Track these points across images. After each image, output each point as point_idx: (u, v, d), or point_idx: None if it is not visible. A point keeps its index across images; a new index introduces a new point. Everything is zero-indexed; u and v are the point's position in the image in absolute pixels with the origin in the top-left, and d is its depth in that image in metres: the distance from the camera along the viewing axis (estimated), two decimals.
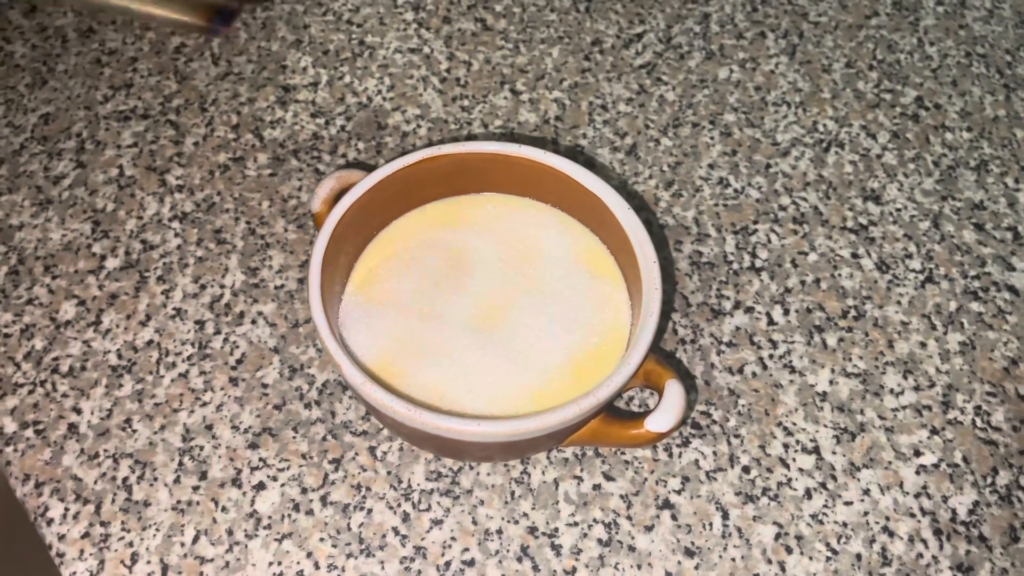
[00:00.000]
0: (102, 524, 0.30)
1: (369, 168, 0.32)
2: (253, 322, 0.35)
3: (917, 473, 0.31)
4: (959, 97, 0.42)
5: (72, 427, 0.32)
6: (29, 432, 0.32)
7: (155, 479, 0.31)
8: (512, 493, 0.31)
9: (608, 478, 0.31)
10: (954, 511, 0.31)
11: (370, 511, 0.30)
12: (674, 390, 0.28)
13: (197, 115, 0.41)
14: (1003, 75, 0.43)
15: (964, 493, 0.31)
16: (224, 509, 0.30)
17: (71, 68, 0.43)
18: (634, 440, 0.28)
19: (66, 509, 0.30)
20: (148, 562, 0.29)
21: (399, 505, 0.30)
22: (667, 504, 0.31)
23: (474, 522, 0.30)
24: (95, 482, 0.31)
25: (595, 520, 0.30)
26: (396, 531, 0.30)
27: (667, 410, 0.28)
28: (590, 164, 0.39)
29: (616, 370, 0.27)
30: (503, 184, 0.33)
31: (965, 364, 0.34)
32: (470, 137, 0.40)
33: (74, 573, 0.29)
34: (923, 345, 0.34)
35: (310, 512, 0.30)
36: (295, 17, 0.45)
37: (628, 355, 0.27)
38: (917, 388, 0.33)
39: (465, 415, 0.27)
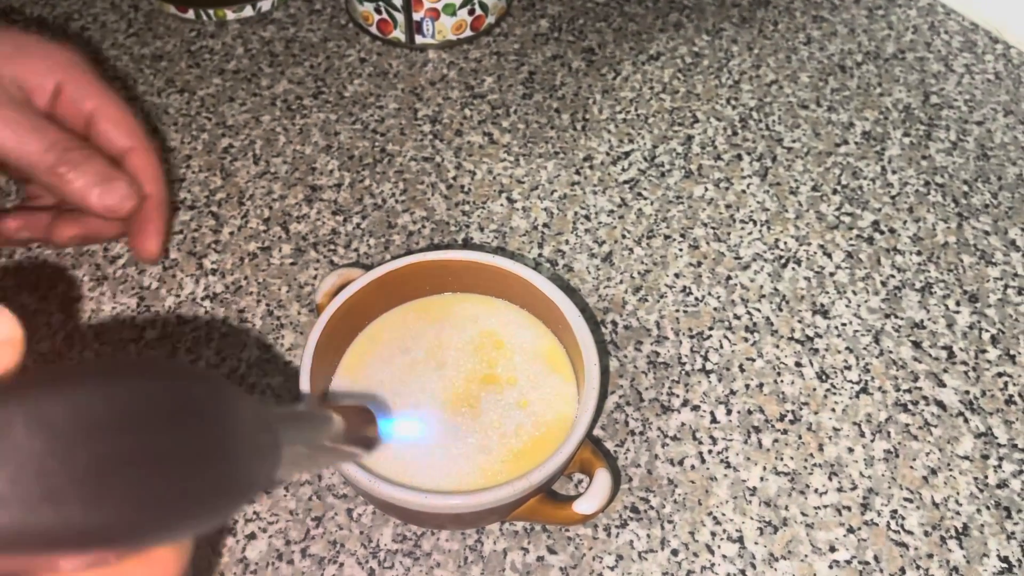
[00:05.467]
0: None
1: (367, 267, 0.38)
2: (263, 392, 0.40)
3: (830, 567, 0.35)
4: (913, 223, 0.47)
5: None
6: None
7: None
8: (465, 558, 0.35)
9: (551, 551, 0.35)
10: None
11: (342, 564, 0.35)
12: (601, 478, 0.32)
13: (235, 208, 0.48)
14: (958, 204, 0.47)
15: None
16: (219, 554, 0.35)
17: None
18: (565, 519, 0.33)
19: None
20: None
21: (367, 561, 0.35)
22: None
23: None
24: None
25: None
26: None
27: (593, 496, 0.32)
28: (568, 268, 0.45)
29: (549, 458, 0.32)
30: (478, 287, 0.39)
31: (887, 470, 0.38)
32: (467, 239, 0.46)
33: None
34: (851, 450, 0.38)
35: (291, 562, 0.35)
36: (328, 125, 0.52)
37: (561, 446, 0.32)
38: (840, 489, 0.37)
39: (420, 488, 0.32)
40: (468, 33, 0.56)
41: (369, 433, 0.27)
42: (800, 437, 0.39)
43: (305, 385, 0.33)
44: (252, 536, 0.36)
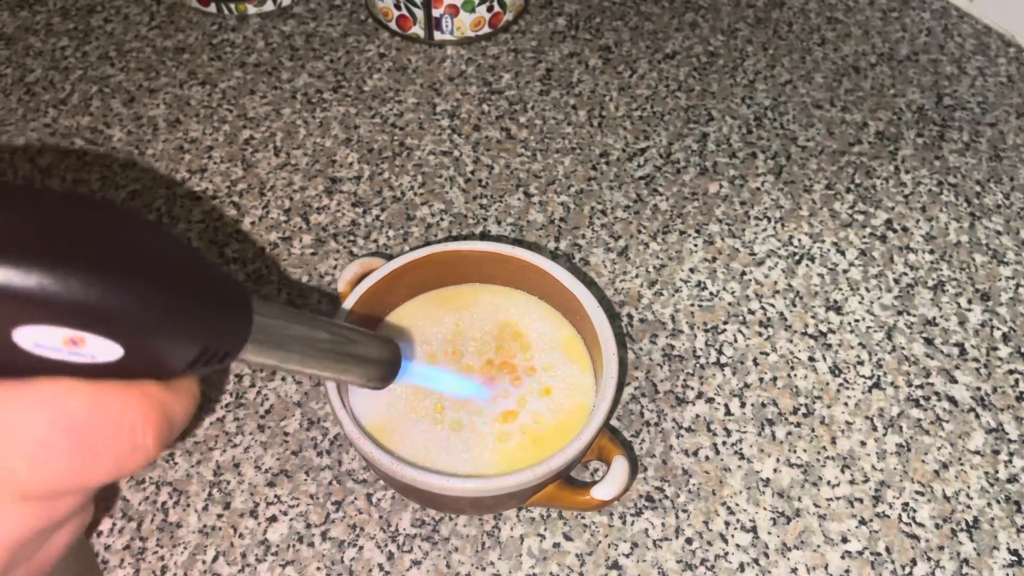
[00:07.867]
0: (141, 539, 0.36)
1: (388, 257, 0.39)
2: (282, 379, 0.41)
3: (842, 558, 0.35)
4: (926, 222, 0.47)
5: None
6: None
7: (187, 505, 0.37)
8: (483, 544, 0.36)
9: (567, 538, 0.36)
10: None
11: (361, 548, 0.36)
12: (619, 465, 0.33)
13: (256, 198, 0.48)
14: (971, 204, 0.48)
15: None
16: (241, 535, 0.36)
17: (158, 152, 0.51)
18: (583, 505, 0.33)
19: (114, 524, 0.36)
20: (174, 575, 0.35)
21: (386, 545, 0.36)
22: (615, 565, 0.35)
23: (448, 566, 0.35)
24: (139, 504, 0.37)
25: (551, 574, 0.35)
26: (381, 567, 0.35)
27: (611, 482, 0.33)
28: (585, 262, 0.45)
29: (569, 444, 0.32)
30: (498, 277, 0.39)
31: (899, 464, 0.38)
32: (484, 232, 0.47)
33: None
34: (863, 444, 0.39)
35: (311, 544, 0.36)
36: (347, 118, 0.53)
37: (580, 433, 0.32)
38: (852, 482, 0.38)
39: (440, 472, 0.33)
40: (486, 30, 0.57)
41: (385, 364, 0.28)
42: (813, 430, 0.39)
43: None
44: (273, 519, 0.37)
